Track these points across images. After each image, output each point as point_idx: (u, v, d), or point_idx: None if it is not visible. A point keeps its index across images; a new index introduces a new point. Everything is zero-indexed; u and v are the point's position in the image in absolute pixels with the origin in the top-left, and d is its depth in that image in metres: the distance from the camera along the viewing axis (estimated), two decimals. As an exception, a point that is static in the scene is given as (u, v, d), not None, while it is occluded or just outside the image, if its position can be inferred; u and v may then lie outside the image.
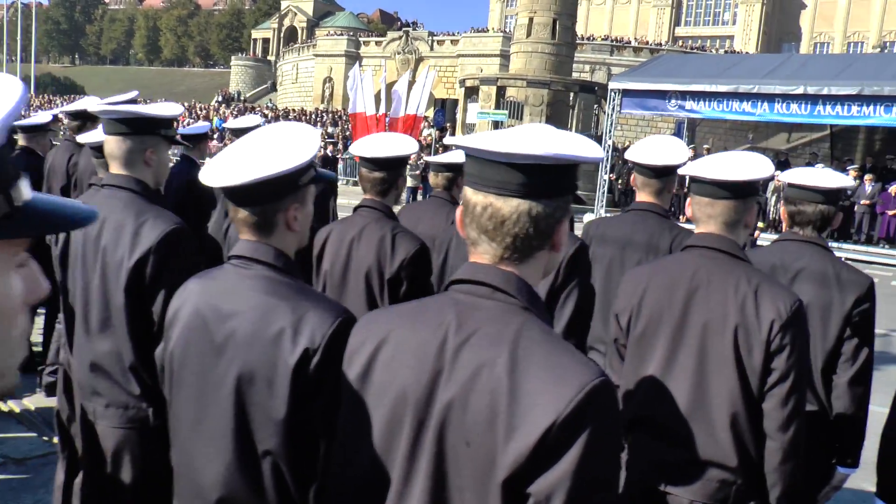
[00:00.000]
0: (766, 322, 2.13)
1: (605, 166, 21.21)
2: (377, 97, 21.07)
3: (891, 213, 18.98)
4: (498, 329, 1.29)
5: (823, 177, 2.92)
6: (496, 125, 25.81)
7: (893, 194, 18.99)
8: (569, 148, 1.29)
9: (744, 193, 2.24)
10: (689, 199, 2.35)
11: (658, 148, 3.19)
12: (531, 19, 27.94)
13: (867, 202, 19.36)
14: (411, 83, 20.65)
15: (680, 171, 2.45)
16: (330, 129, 36.12)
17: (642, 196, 3.34)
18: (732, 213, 2.24)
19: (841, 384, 2.85)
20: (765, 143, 33.51)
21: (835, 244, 18.58)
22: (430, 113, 32.03)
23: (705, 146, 24.63)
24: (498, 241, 1.33)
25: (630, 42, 49.85)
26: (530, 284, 1.35)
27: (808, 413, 2.92)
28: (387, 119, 20.11)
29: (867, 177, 19.75)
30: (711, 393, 2.19)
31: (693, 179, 2.28)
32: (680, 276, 2.28)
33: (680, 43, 55.34)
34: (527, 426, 1.19)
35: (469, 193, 1.35)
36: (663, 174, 3.18)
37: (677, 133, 26.33)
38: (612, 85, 21.64)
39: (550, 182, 1.31)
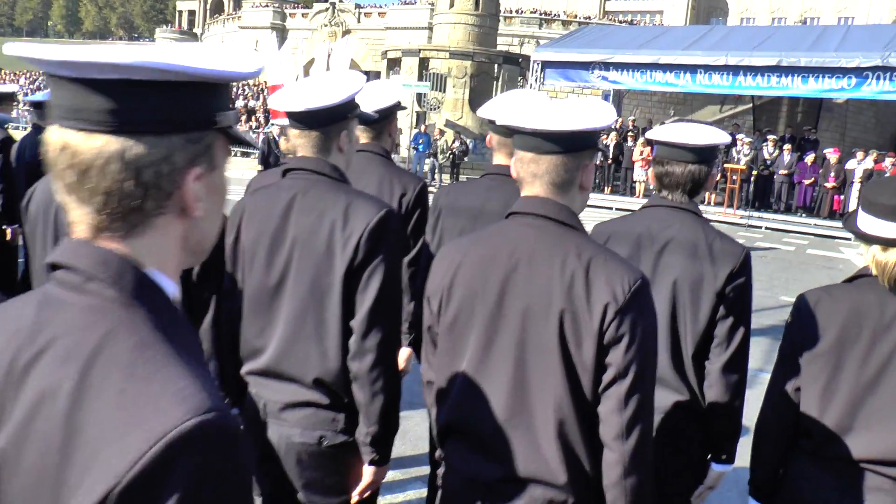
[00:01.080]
0: (598, 306, 1.69)
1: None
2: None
3: (807, 182, 19.19)
4: (77, 339, 0.82)
5: (694, 132, 2.52)
6: (419, 98, 25.19)
7: (810, 164, 19.18)
8: (181, 56, 0.82)
9: (575, 146, 1.79)
10: (513, 158, 1.90)
11: (515, 103, 2.75)
12: (454, -11, 27.34)
13: (785, 172, 19.53)
14: (329, 54, 19.94)
15: (498, 122, 1.99)
16: (251, 103, 34.81)
17: (499, 158, 2.91)
18: (561, 170, 1.79)
19: (714, 371, 2.47)
20: (691, 115, 33.63)
21: (756, 213, 18.75)
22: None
23: (631, 118, 24.51)
24: (86, 202, 0.86)
25: (559, 15, 49.55)
26: (146, 267, 0.89)
27: (678, 404, 2.55)
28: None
29: (786, 147, 19.93)
30: (534, 395, 1.75)
31: (514, 131, 1.84)
32: (498, 251, 1.82)
33: (610, 17, 55.30)
34: (75, 502, 0.73)
35: (47, 133, 0.88)
36: None
37: (603, 105, 26.05)
38: (534, 56, 21.30)
39: (155, 107, 0.85)
